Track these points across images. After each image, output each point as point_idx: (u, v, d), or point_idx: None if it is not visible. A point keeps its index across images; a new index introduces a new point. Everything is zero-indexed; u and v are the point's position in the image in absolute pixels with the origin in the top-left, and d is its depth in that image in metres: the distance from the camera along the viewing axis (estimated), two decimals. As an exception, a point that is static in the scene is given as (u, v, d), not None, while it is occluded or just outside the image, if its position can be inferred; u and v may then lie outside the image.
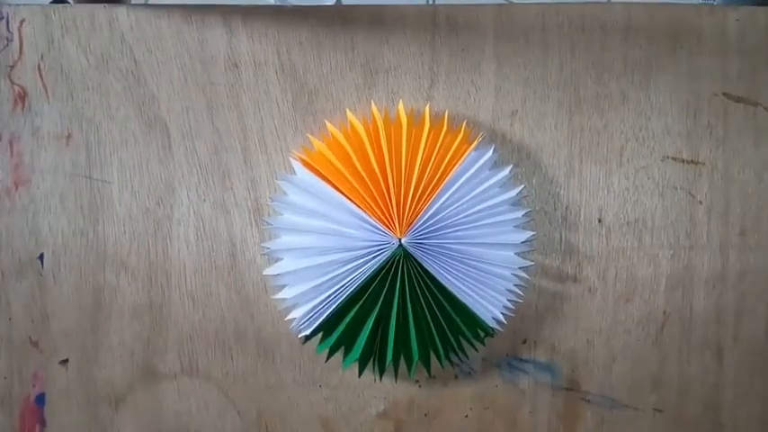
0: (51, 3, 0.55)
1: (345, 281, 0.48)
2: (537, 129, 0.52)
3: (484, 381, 0.53)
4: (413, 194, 0.48)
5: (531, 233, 0.51)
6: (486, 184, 0.49)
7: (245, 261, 0.52)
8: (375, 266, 0.48)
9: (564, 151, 0.52)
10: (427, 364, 0.50)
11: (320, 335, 0.50)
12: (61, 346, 0.52)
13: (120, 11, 0.51)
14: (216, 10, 0.51)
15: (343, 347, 0.50)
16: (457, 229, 0.48)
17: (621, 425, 0.53)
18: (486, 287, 0.49)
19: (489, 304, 0.50)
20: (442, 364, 0.50)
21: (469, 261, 0.48)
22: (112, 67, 0.51)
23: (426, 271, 0.48)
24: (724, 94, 0.52)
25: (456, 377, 0.53)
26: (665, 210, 0.52)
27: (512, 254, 0.50)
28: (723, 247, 0.52)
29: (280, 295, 0.51)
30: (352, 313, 0.49)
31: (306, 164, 0.50)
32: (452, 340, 0.50)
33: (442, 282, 0.48)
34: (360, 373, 0.51)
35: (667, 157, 0.52)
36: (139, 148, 0.51)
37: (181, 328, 0.52)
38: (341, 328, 0.49)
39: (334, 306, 0.49)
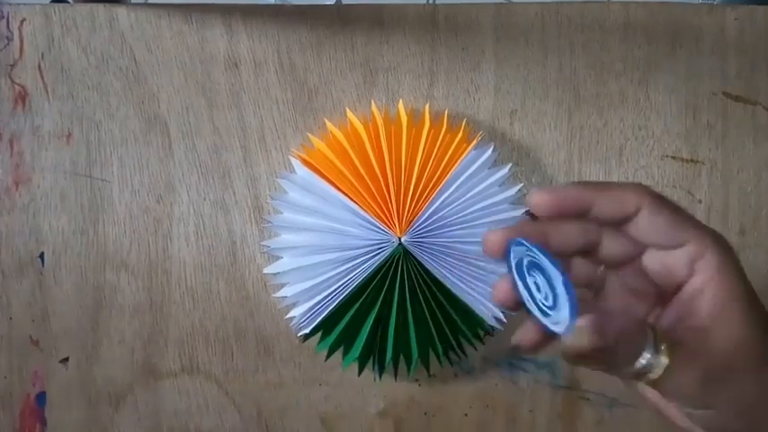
0: (51, 2, 0.55)
1: (345, 279, 0.48)
2: (536, 128, 0.52)
3: (484, 379, 0.53)
4: (412, 193, 0.48)
5: (531, 232, 0.51)
6: (486, 183, 0.49)
7: (245, 259, 0.52)
8: (375, 265, 0.48)
9: (563, 150, 0.52)
10: (427, 363, 0.50)
11: (320, 333, 0.50)
12: (61, 345, 0.52)
13: (120, 10, 0.51)
14: (216, 10, 0.51)
15: (342, 346, 0.50)
16: (456, 227, 0.48)
17: (621, 423, 0.53)
18: (486, 285, 0.49)
19: (489, 303, 0.50)
20: (441, 362, 0.50)
21: (469, 259, 0.48)
22: (113, 67, 0.51)
23: (426, 269, 0.48)
24: (723, 93, 0.52)
25: (456, 376, 0.53)
26: (665, 208, 0.52)
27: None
28: (722, 245, 0.52)
29: (279, 293, 0.51)
30: (351, 312, 0.49)
31: (306, 162, 0.50)
32: (452, 339, 0.50)
33: (442, 280, 0.48)
34: (359, 372, 0.51)
35: (666, 156, 0.52)
36: (139, 146, 0.51)
37: (181, 327, 0.52)
38: (340, 326, 0.49)
39: (333, 304, 0.49)
